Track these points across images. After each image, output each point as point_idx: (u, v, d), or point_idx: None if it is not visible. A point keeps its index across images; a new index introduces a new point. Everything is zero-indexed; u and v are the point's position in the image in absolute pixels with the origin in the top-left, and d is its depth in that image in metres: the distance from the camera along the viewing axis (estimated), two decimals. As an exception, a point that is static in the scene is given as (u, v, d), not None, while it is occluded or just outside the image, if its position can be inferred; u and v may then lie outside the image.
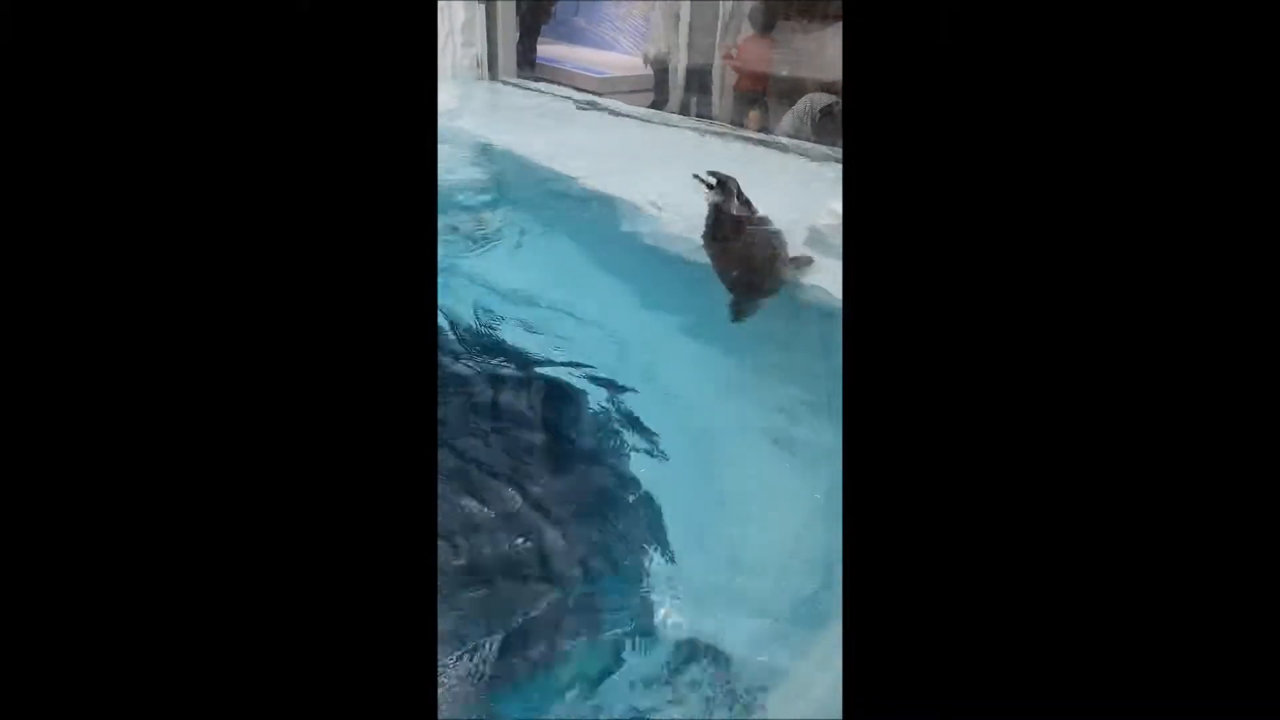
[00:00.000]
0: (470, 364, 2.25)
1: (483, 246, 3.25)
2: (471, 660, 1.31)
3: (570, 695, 1.29)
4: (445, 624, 1.32)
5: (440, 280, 2.82)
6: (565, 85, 6.49)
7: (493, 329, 2.52)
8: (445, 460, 1.81)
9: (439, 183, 3.88)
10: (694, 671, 1.34)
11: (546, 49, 7.23)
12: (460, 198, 3.77)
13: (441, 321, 2.51)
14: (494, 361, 2.28)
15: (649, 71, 6.66)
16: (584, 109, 5.59)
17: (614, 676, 1.33)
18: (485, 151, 4.57)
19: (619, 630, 1.43)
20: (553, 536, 1.62)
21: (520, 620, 1.42)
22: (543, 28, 7.00)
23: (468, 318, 2.58)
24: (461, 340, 2.43)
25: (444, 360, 2.27)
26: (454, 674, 1.28)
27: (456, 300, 2.68)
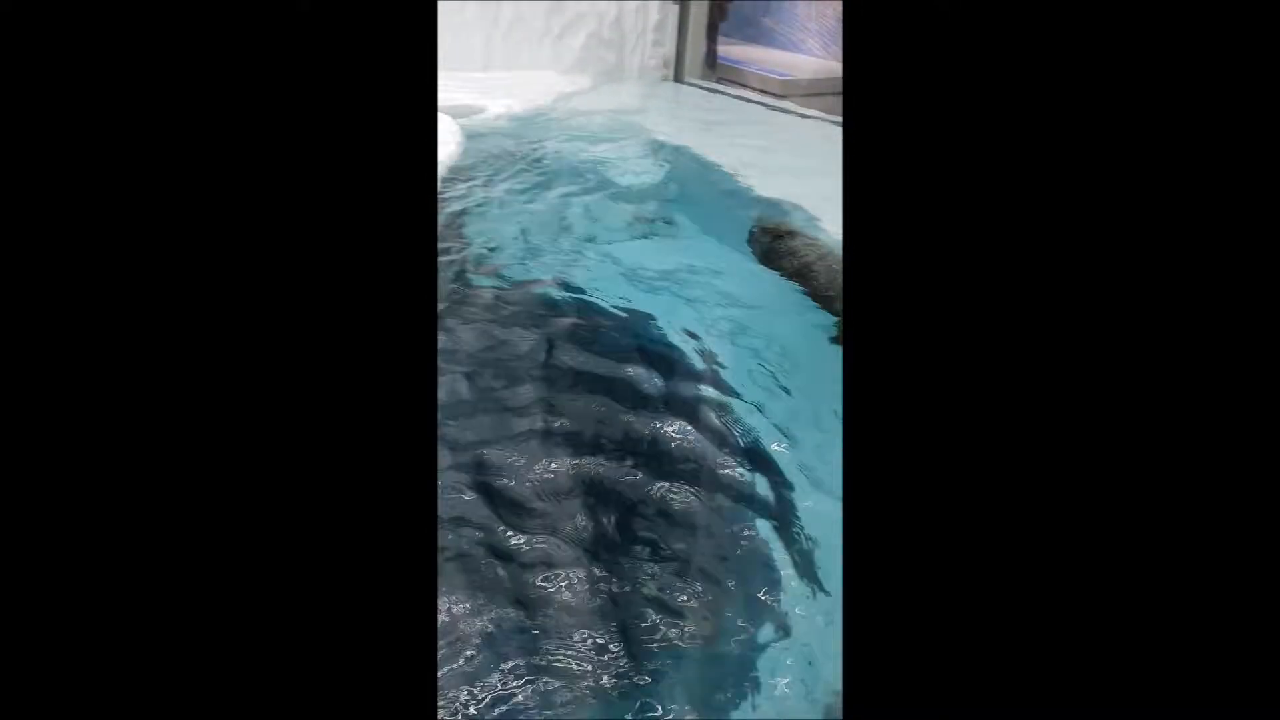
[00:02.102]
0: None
1: (644, 237, 3.44)
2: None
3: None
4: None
5: (595, 263, 3.04)
6: (747, 87, 6.59)
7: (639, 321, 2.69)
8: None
9: (623, 179, 4.15)
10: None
11: (731, 50, 7.35)
12: (635, 191, 4.00)
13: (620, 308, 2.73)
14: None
15: (834, 74, 6.60)
16: (768, 109, 5.67)
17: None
18: (661, 149, 4.79)
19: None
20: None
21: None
22: (722, 27, 7.12)
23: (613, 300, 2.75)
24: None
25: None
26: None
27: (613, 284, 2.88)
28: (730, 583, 1.58)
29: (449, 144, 4.19)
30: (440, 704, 1.25)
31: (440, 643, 1.35)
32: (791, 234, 3.15)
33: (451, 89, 5.23)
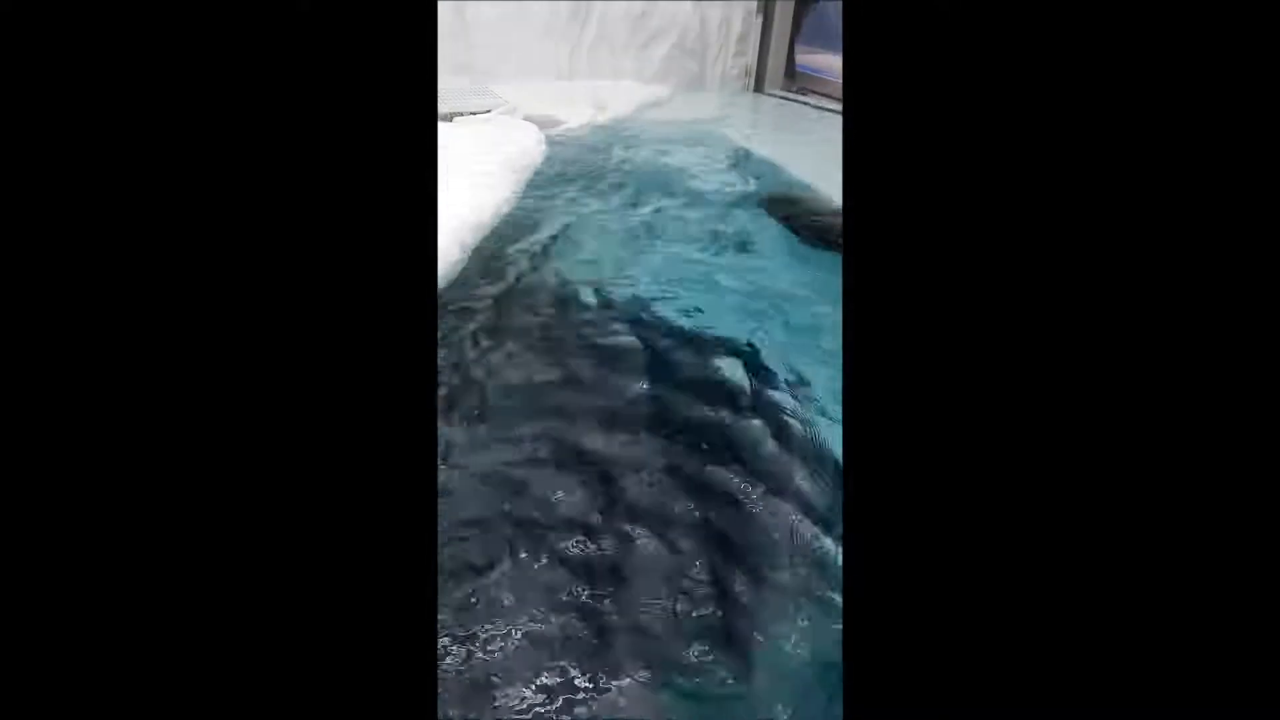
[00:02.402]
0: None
1: (721, 248, 3.51)
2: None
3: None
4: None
5: (672, 270, 3.10)
6: (825, 95, 6.57)
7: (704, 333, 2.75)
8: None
9: (702, 187, 4.22)
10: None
11: (810, 58, 7.34)
12: (714, 199, 4.07)
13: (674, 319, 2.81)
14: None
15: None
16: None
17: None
18: (742, 158, 4.85)
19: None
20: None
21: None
22: (803, 35, 7.11)
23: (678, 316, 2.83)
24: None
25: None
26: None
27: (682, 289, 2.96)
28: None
29: (533, 153, 4.35)
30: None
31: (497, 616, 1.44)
32: (798, 200, 4.05)
33: (535, 98, 5.42)
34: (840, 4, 7.34)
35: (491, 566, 1.56)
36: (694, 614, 1.50)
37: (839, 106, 6.16)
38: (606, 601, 1.51)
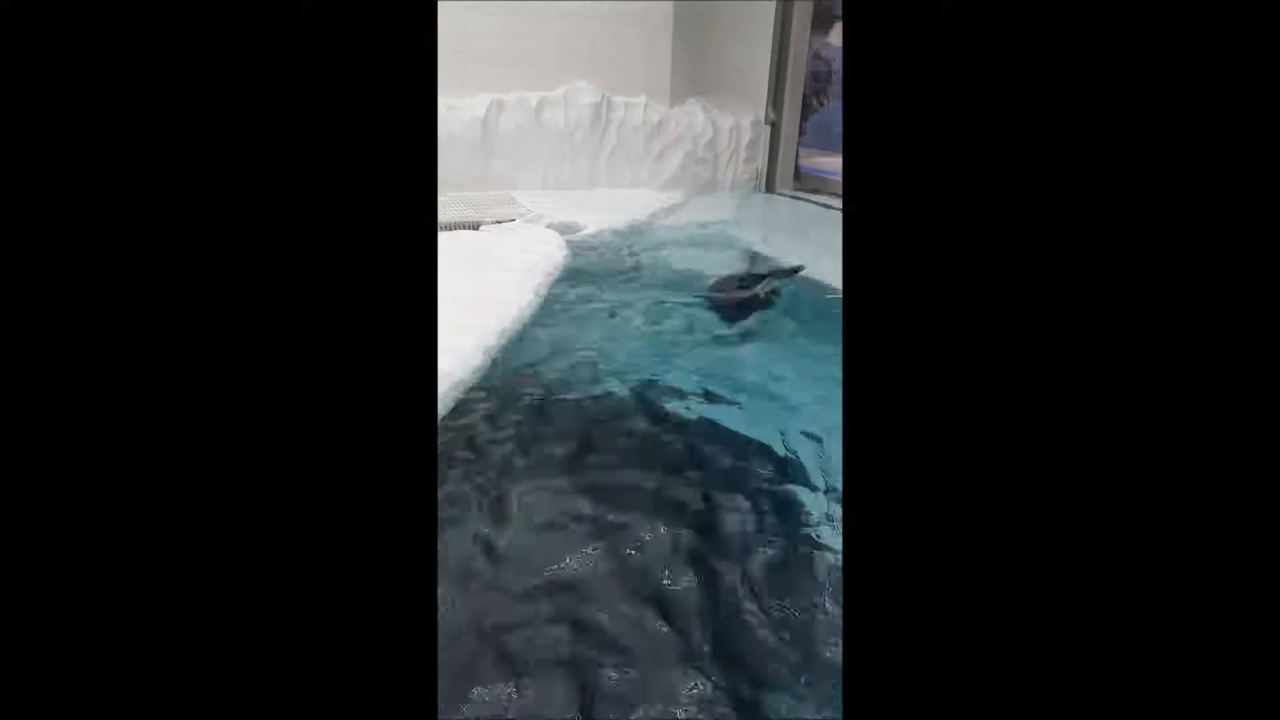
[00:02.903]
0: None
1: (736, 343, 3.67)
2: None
3: None
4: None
5: (684, 368, 3.22)
6: (830, 194, 6.90)
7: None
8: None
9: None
10: None
11: (817, 160, 7.75)
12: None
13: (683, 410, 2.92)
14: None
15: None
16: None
17: None
18: (754, 258, 5.09)
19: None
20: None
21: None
22: (810, 139, 7.56)
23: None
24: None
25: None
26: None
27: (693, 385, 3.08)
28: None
29: (555, 258, 4.62)
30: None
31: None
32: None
33: (557, 207, 5.76)
34: (839, 112, 7.80)
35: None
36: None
37: (840, 203, 6.47)
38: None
